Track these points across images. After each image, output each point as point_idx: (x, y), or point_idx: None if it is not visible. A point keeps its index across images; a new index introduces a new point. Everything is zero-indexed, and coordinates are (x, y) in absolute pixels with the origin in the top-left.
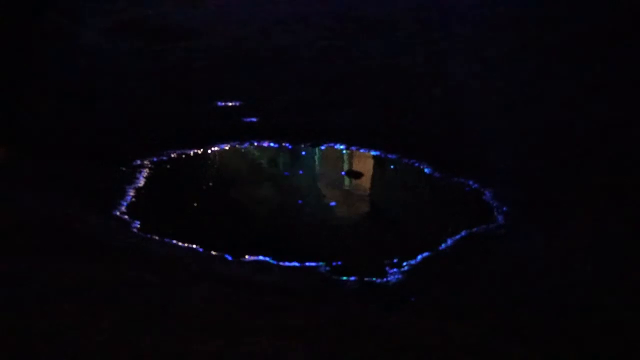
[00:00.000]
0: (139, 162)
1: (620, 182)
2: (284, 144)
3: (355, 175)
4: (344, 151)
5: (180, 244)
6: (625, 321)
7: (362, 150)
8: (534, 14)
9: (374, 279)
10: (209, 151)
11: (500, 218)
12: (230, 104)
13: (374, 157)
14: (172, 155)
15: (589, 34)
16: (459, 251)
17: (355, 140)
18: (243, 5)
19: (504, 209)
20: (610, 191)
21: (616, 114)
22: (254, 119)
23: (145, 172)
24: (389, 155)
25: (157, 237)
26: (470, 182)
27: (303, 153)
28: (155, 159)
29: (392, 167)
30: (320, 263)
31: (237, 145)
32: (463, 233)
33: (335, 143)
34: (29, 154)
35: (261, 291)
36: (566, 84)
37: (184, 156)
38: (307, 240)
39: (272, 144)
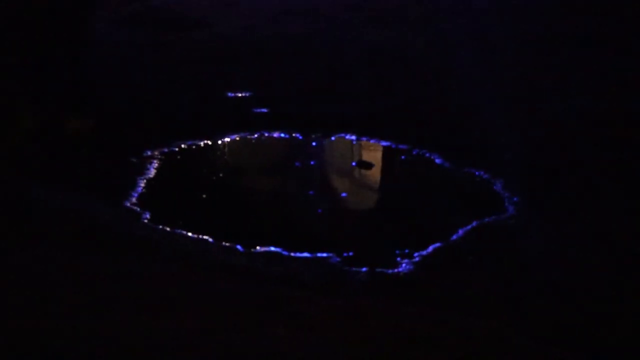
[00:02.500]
0: (149, 153)
1: (632, 174)
2: (294, 135)
3: (365, 165)
4: (355, 142)
5: (190, 235)
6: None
7: (372, 141)
8: (547, 3)
9: (385, 269)
10: (220, 142)
11: (511, 209)
12: (240, 94)
13: (384, 147)
14: (183, 146)
15: (599, 25)
16: (469, 242)
17: (365, 130)
18: None
19: (515, 199)
20: (621, 183)
21: (629, 106)
22: (264, 110)
23: (156, 163)
24: (400, 146)
25: (167, 228)
26: (481, 173)
27: (314, 144)
28: (165, 150)
29: (402, 157)
30: (331, 254)
31: (247, 136)
32: (474, 224)
33: (346, 134)
34: (38, 144)
35: (272, 282)
36: (577, 75)
37: (194, 147)
38: (318, 231)
39: (282, 135)
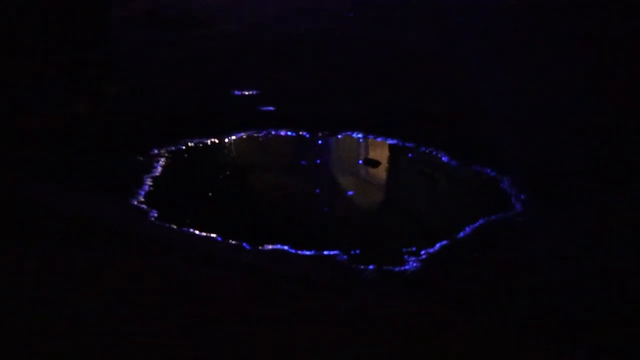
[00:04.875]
0: (156, 151)
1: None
2: (301, 133)
3: (372, 163)
4: (362, 140)
5: (197, 233)
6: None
7: (379, 139)
8: (550, 2)
9: (393, 267)
10: (226, 140)
11: (517, 206)
12: (246, 92)
13: (391, 145)
14: (190, 144)
15: (605, 24)
16: (477, 239)
17: (372, 128)
18: None
19: (522, 197)
20: (628, 180)
21: (635, 103)
22: (270, 108)
23: (163, 161)
24: (407, 144)
25: (174, 227)
26: (488, 170)
27: (320, 142)
28: (172, 148)
29: (409, 155)
30: (338, 252)
31: (254, 134)
32: (481, 221)
33: (353, 132)
34: (45, 143)
35: (279, 280)
36: (585, 73)
37: (201, 145)
38: (325, 229)
39: (289, 133)
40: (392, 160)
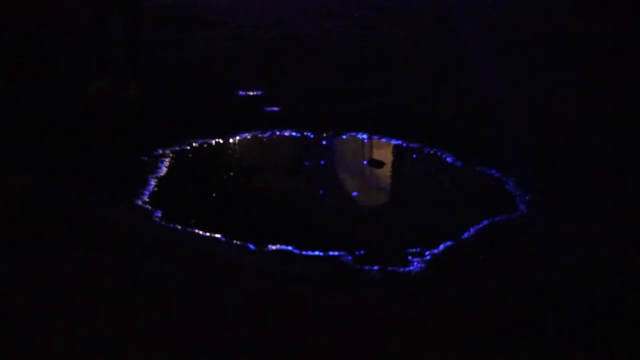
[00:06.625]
0: (160, 151)
1: None
2: (305, 134)
3: (377, 164)
4: (366, 140)
5: (202, 233)
6: None
7: (384, 140)
8: (549, 5)
9: (397, 268)
10: (231, 140)
11: (522, 207)
12: (251, 93)
13: (395, 146)
14: (194, 145)
15: (602, 24)
16: (481, 240)
17: (377, 129)
18: None
19: (527, 197)
20: (635, 180)
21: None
22: (275, 108)
23: (167, 162)
24: (411, 144)
25: (179, 227)
26: (492, 171)
27: (325, 142)
28: (176, 148)
29: (414, 156)
30: (343, 252)
31: (258, 135)
32: (485, 222)
33: (357, 132)
34: (49, 143)
35: (284, 281)
36: (591, 73)
37: (205, 145)
38: (330, 229)
39: (293, 134)
40: (396, 160)
